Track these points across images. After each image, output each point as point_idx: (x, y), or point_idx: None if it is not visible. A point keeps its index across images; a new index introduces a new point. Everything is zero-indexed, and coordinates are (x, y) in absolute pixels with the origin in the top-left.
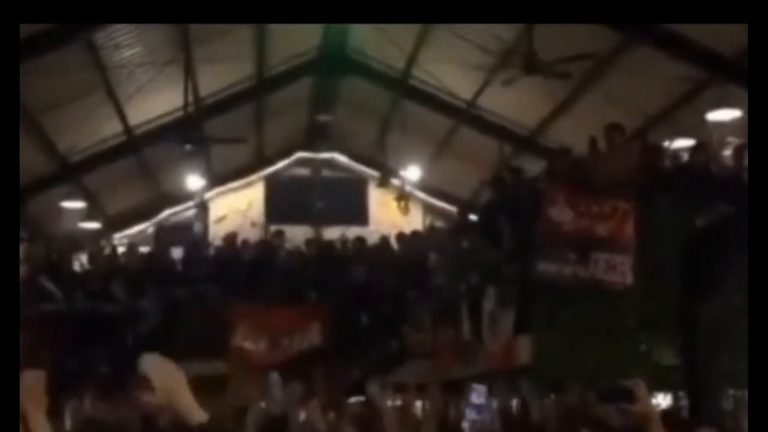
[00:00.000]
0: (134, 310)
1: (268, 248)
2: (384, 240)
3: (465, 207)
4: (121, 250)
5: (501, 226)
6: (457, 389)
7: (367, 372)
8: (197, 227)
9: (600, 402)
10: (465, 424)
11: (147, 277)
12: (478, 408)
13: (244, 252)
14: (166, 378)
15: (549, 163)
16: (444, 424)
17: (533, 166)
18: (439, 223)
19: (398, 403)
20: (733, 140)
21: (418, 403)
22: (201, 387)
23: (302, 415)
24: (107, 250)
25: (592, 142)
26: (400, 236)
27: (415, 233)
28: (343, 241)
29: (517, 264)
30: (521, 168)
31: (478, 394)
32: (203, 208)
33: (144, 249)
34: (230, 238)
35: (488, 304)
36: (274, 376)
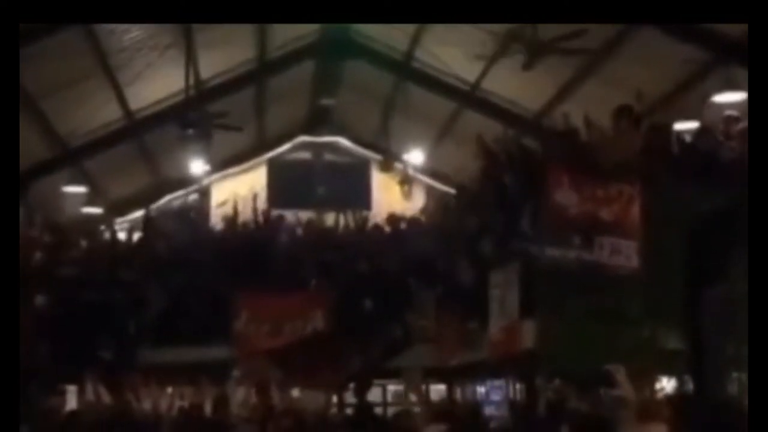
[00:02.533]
0: (137, 296)
1: (269, 232)
2: (379, 228)
3: (462, 190)
4: (122, 235)
5: (498, 209)
6: (464, 376)
7: (371, 358)
8: (199, 212)
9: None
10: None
11: (150, 262)
12: (496, 404)
13: (245, 236)
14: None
15: (545, 144)
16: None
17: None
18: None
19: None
20: (732, 113)
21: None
22: (205, 372)
23: None
24: (109, 236)
25: (587, 121)
26: (391, 218)
27: (414, 219)
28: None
29: (519, 247)
30: (525, 146)
31: (496, 391)
32: (205, 193)
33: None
34: (230, 220)
35: (493, 290)
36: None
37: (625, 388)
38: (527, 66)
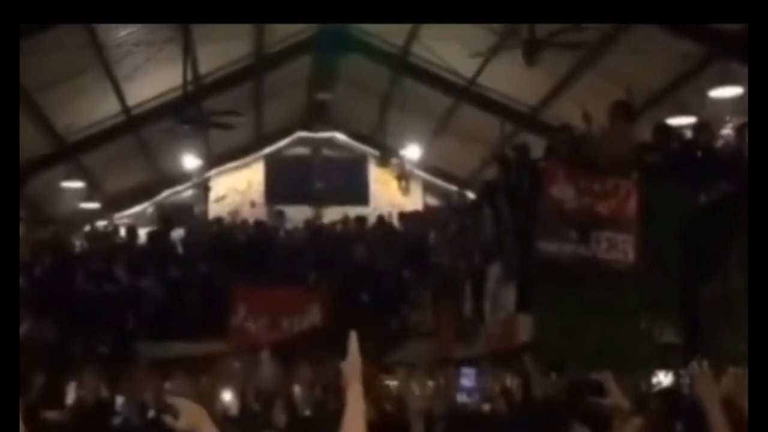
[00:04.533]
0: (136, 291)
1: (267, 228)
2: (382, 219)
3: (465, 185)
4: (121, 230)
5: (501, 204)
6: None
7: (368, 352)
8: (197, 207)
9: (571, 395)
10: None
11: (148, 257)
12: (469, 391)
13: (244, 232)
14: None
15: (550, 141)
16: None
17: (535, 144)
18: (437, 202)
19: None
20: (732, 119)
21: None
22: (201, 367)
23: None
24: (108, 230)
25: (586, 115)
26: (403, 216)
27: (415, 212)
28: (344, 220)
29: (518, 242)
30: (526, 145)
31: (468, 378)
32: (203, 188)
33: (144, 229)
34: (234, 214)
35: (489, 283)
36: (265, 355)
37: (616, 397)
38: (530, 62)
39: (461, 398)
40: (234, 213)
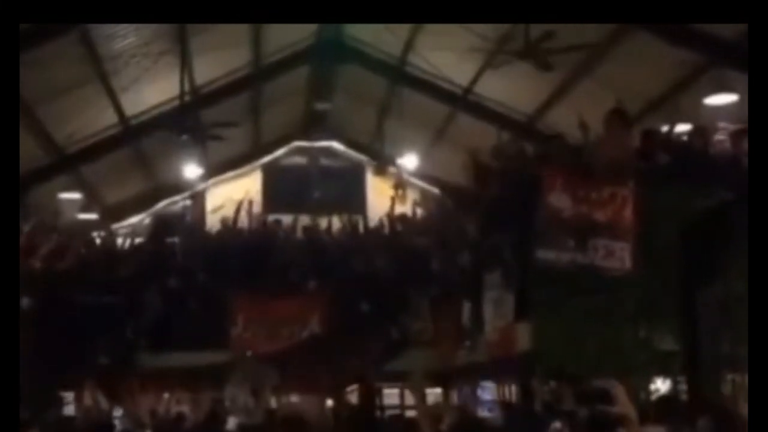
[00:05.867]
0: (133, 301)
1: (265, 237)
2: (381, 225)
3: (458, 192)
4: (119, 240)
5: (498, 212)
6: (463, 378)
7: (368, 361)
8: (194, 217)
9: (577, 403)
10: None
11: (146, 267)
12: (489, 405)
13: (241, 241)
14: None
15: (542, 149)
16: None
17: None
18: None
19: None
20: (727, 126)
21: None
22: (202, 376)
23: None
24: (107, 240)
25: (583, 125)
26: (396, 218)
27: (408, 216)
28: (344, 223)
29: (515, 250)
30: (524, 151)
31: (488, 391)
32: (200, 198)
33: (142, 239)
34: (226, 221)
35: (488, 291)
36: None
37: (624, 405)
38: (546, 68)
39: (482, 412)
40: (227, 219)
